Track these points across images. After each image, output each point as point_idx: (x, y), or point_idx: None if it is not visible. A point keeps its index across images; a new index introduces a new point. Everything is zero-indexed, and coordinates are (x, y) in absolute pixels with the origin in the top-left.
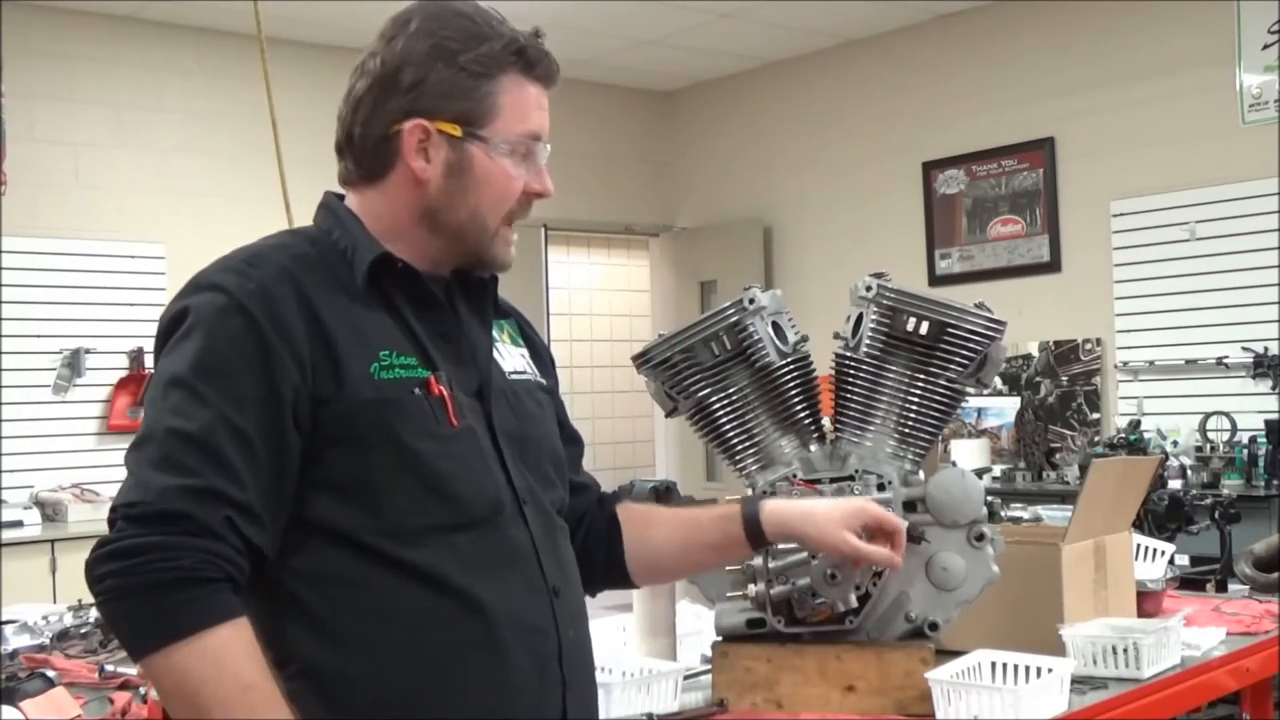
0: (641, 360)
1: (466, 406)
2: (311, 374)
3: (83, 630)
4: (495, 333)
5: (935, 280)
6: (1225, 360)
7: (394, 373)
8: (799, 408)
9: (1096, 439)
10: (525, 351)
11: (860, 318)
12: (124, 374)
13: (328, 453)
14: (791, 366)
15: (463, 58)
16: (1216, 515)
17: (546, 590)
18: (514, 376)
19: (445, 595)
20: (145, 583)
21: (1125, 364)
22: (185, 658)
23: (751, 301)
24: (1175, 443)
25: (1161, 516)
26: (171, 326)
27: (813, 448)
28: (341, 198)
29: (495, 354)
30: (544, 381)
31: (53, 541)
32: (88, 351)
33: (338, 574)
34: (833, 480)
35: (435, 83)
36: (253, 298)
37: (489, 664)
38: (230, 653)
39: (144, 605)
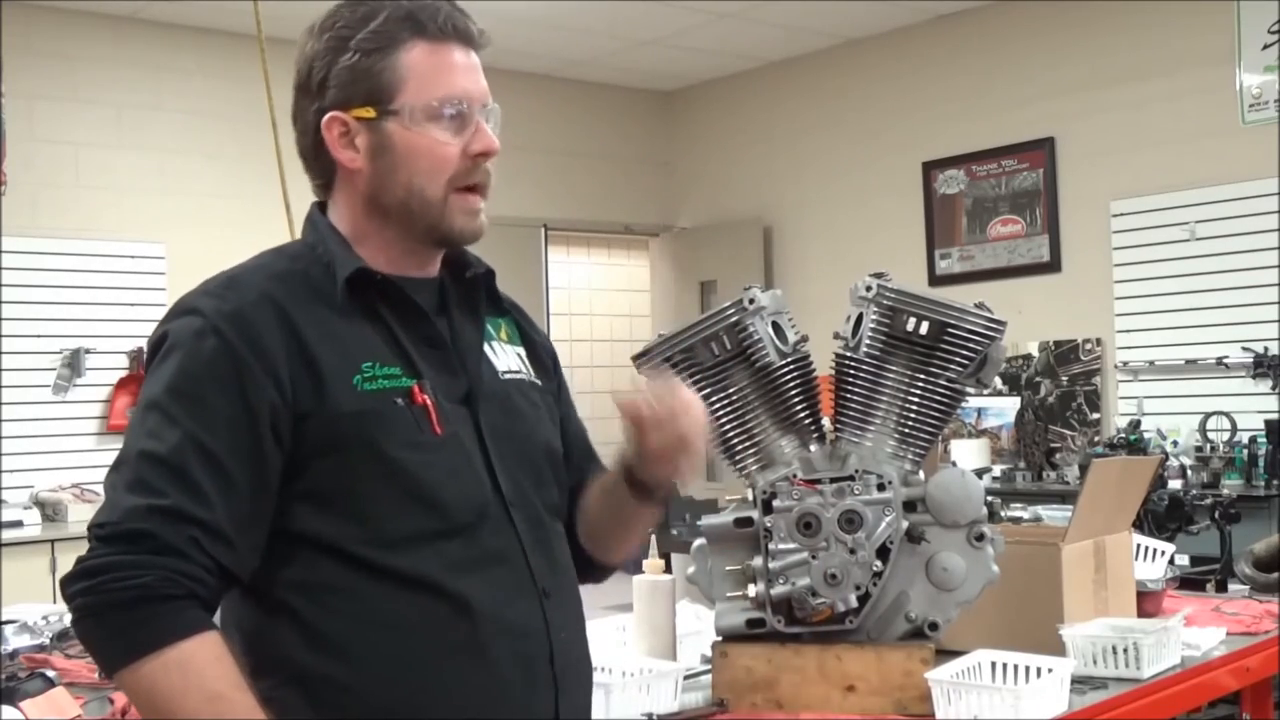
0: (641, 360)
1: (452, 413)
2: (291, 391)
3: None
4: (491, 329)
5: (935, 280)
6: (1225, 360)
7: (377, 384)
8: (799, 408)
9: (1096, 439)
10: (522, 350)
11: (860, 318)
12: (124, 374)
13: (311, 465)
14: (791, 366)
15: (355, 40)
16: (1216, 515)
17: (536, 592)
18: (507, 376)
19: (432, 598)
20: (109, 601)
21: (1125, 364)
22: (152, 672)
23: (751, 301)
24: (1175, 443)
25: (1161, 516)
26: (153, 351)
27: (813, 448)
28: (323, 207)
29: (489, 352)
30: (538, 382)
31: (53, 541)
32: (88, 351)
33: (326, 582)
34: (833, 480)
35: (338, 73)
36: (226, 319)
37: (474, 669)
38: (194, 665)
39: (109, 623)
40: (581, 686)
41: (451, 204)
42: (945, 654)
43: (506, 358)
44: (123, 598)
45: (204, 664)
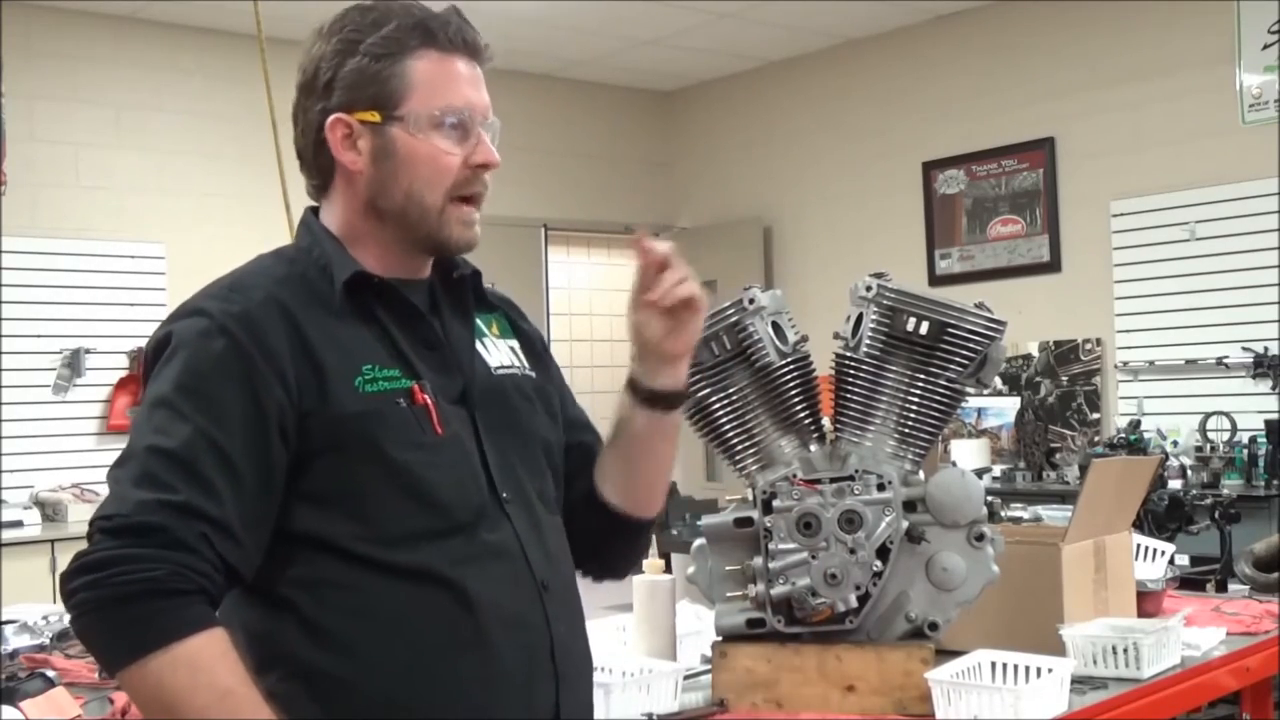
0: None
1: (451, 413)
2: (298, 392)
3: None
4: (483, 326)
5: (935, 280)
6: (1225, 360)
7: (377, 385)
8: (799, 408)
9: (1096, 439)
10: (515, 344)
11: (860, 318)
12: (124, 374)
13: (313, 464)
14: (791, 366)
15: (365, 45)
16: (1216, 515)
17: (535, 585)
18: (500, 372)
19: (434, 592)
20: (115, 595)
21: (1125, 364)
22: (159, 668)
23: (751, 301)
24: (1175, 443)
25: (1161, 516)
26: (156, 352)
27: (813, 448)
28: (316, 211)
29: (481, 349)
30: (533, 375)
31: (53, 541)
32: (88, 351)
33: (327, 578)
34: (833, 480)
35: (345, 75)
36: (235, 320)
37: (479, 662)
38: (204, 661)
39: (114, 617)
40: (582, 679)
41: (449, 213)
42: (945, 654)
43: (499, 353)
44: (129, 591)
45: (212, 660)
